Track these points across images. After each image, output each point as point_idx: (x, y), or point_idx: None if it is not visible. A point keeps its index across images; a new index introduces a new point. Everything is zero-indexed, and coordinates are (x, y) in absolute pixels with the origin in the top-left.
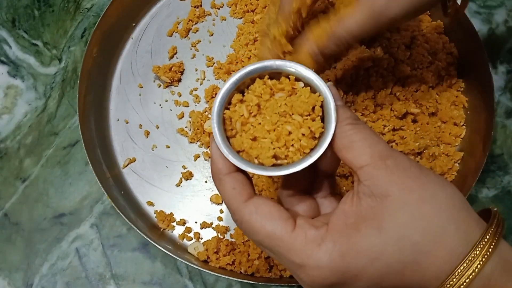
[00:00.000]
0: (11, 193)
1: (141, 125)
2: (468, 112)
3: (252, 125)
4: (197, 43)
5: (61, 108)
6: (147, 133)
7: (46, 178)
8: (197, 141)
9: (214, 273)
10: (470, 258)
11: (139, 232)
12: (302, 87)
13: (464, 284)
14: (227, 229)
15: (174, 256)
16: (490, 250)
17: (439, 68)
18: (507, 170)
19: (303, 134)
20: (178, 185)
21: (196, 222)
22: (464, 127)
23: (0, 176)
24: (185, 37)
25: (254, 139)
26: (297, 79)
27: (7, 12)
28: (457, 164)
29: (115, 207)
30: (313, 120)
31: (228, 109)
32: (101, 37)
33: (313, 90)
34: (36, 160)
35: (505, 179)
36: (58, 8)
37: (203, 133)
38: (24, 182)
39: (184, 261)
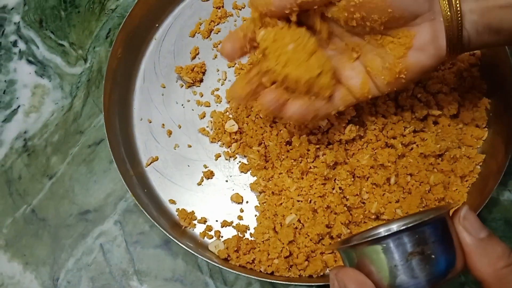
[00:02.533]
0: (38, 189)
1: (163, 125)
2: (491, 114)
3: None
4: (219, 44)
5: (87, 107)
6: (170, 133)
7: (72, 176)
8: (218, 141)
9: (234, 271)
10: None
11: (161, 229)
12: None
13: None
14: (247, 228)
15: (195, 253)
16: None
17: (461, 69)
18: None
19: None
20: (199, 184)
21: (216, 221)
22: (486, 129)
23: (28, 173)
24: (207, 37)
25: None
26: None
27: (34, 13)
28: (479, 167)
29: (138, 204)
30: None
31: None
32: (125, 37)
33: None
34: (62, 158)
35: None
36: (84, 9)
37: (224, 133)
38: (51, 179)
39: (205, 259)
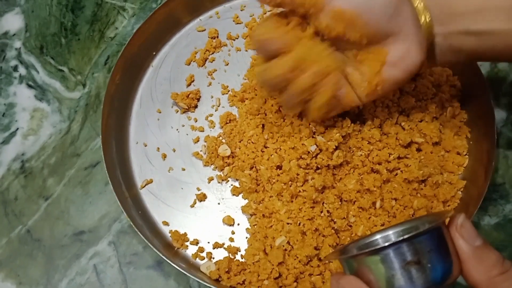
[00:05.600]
0: (34, 210)
1: (158, 148)
2: (471, 142)
3: None
4: (213, 72)
5: (84, 131)
6: (164, 156)
7: (68, 197)
8: (211, 165)
9: None
10: None
11: (154, 250)
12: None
13: None
14: (238, 250)
15: (187, 274)
16: None
17: (442, 99)
18: (509, 199)
19: None
20: (192, 206)
21: (208, 242)
22: (466, 156)
23: (25, 194)
24: (202, 66)
25: None
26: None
27: (35, 39)
28: (460, 192)
29: (132, 225)
30: None
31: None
32: (123, 64)
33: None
34: (58, 179)
35: (506, 207)
36: (84, 37)
37: (217, 157)
38: (47, 200)
39: (196, 279)
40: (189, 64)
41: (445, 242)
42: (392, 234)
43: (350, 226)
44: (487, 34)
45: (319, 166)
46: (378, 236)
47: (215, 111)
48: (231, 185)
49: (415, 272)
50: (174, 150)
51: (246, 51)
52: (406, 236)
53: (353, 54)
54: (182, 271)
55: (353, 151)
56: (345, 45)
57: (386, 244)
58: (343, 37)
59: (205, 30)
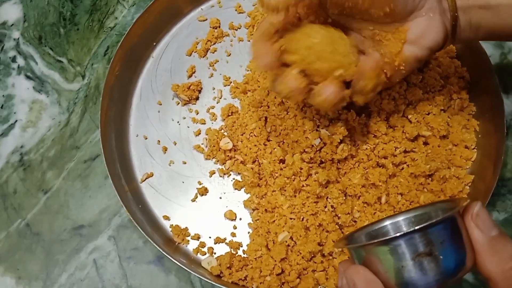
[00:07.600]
0: (33, 204)
1: (159, 141)
2: (479, 135)
3: None
4: (215, 63)
5: (83, 123)
6: (165, 149)
7: (67, 191)
8: (212, 158)
9: None
10: None
11: (155, 245)
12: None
13: None
14: (240, 245)
15: (188, 270)
16: None
17: (451, 91)
18: None
19: None
20: (193, 200)
21: (210, 237)
22: (475, 150)
23: (23, 187)
24: (203, 56)
25: None
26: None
27: (34, 29)
28: (468, 187)
29: (132, 220)
30: None
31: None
32: (123, 55)
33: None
34: (58, 172)
35: None
36: (83, 27)
37: (219, 150)
38: (46, 194)
39: (197, 275)
40: (190, 54)
41: (459, 232)
42: (402, 221)
43: (355, 221)
44: (507, 7)
45: (323, 160)
46: (387, 223)
47: (217, 103)
48: (233, 179)
49: (426, 264)
50: (175, 143)
51: (249, 41)
52: (418, 227)
53: (371, 34)
54: (183, 267)
55: (358, 145)
56: (362, 24)
57: (398, 234)
58: (364, 15)
59: (206, 19)
